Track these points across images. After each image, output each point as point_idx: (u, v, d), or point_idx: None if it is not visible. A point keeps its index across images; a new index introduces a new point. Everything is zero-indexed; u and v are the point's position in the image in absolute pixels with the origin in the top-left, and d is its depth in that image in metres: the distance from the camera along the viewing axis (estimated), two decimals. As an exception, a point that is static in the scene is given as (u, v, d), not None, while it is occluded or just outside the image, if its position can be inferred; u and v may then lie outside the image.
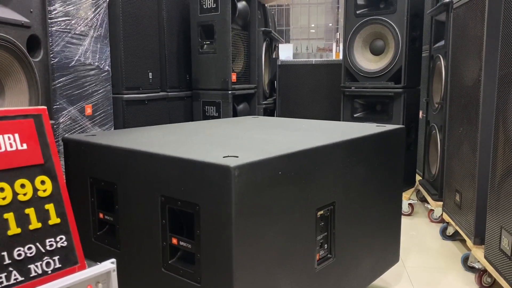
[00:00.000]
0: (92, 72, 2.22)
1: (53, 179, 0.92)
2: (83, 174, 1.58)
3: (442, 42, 3.00)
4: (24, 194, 0.89)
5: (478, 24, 2.20)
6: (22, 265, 0.85)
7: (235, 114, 3.41)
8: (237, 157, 1.21)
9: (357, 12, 3.28)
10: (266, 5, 4.28)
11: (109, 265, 0.94)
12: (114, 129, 2.47)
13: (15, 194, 0.88)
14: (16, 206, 0.88)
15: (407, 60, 3.13)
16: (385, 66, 3.20)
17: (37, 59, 1.73)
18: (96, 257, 1.48)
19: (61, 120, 2.00)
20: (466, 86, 2.38)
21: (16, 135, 0.89)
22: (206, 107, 3.34)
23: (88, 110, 2.16)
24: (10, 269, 0.84)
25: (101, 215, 1.55)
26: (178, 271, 1.29)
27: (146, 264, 1.38)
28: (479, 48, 2.17)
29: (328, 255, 1.53)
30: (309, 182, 1.40)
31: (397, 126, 1.93)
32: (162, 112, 3.01)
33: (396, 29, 3.11)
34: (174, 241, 1.30)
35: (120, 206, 1.45)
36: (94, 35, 2.22)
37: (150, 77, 2.85)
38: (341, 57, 3.46)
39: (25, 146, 0.89)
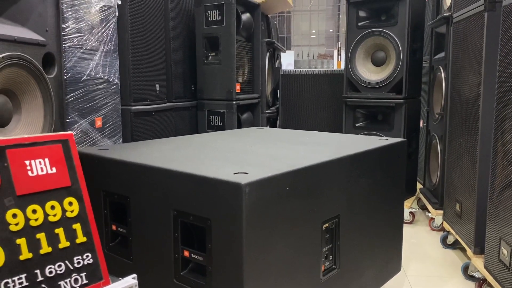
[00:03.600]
0: (102, 85, 2.28)
1: (80, 200, 0.98)
2: (96, 187, 1.64)
3: (442, 54, 3.06)
4: (54, 215, 0.95)
5: (477, 39, 2.27)
6: (53, 282, 0.91)
7: (239, 123, 3.47)
8: (247, 173, 1.26)
9: (359, 24, 3.35)
10: (269, 15, 4.35)
11: (131, 280, 1.00)
12: (123, 140, 2.53)
13: (46, 215, 0.94)
14: (47, 226, 0.94)
15: (408, 71, 3.19)
16: (386, 77, 3.27)
17: (51, 76, 1.79)
18: (108, 268, 1.53)
19: (73, 133, 2.06)
20: (466, 98, 2.44)
21: (47, 160, 0.95)
22: (211, 116, 3.40)
23: (98, 123, 2.23)
24: (43, 286, 0.90)
25: (113, 227, 1.61)
26: (190, 283, 1.35)
27: (158, 275, 1.44)
28: (479, 61, 2.23)
29: (333, 266, 1.59)
30: (315, 196, 1.46)
31: (399, 139, 1.99)
32: (168, 122, 3.07)
33: (397, 41, 3.18)
34: (186, 253, 1.35)
35: (133, 218, 1.51)
36: (104, 50, 2.28)
37: (157, 88, 2.92)
38: (342, 66, 3.52)
39: (54, 170, 0.96)
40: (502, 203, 1.89)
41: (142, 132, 2.75)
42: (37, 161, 0.95)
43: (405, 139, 2.06)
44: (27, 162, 0.93)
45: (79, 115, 2.09)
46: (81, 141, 2.12)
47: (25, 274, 0.88)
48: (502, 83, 1.93)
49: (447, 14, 2.82)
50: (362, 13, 3.36)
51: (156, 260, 1.45)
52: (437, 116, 3.13)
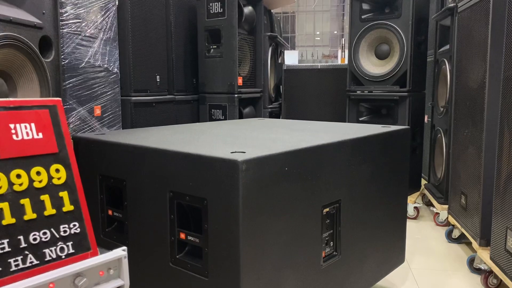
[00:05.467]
0: (101, 74, 2.26)
1: (67, 167, 0.95)
2: (93, 171, 1.61)
3: (447, 47, 3.02)
4: (40, 181, 0.92)
5: (482, 28, 2.22)
6: (37, 249, 0.88)
7: (241, 117, 3.44)
8: (244, 152, 1.23)
9: (362, 17, 3.31)
10: (271, 10, 4.32)
11: (121, 252, 0.96)
12: (122, 130, 2.50)
13: (31, 181, 0.91)
14: (32, 192, 0.91)
15: (412, 64, 3.15)
16: (390, 70, 3.22)
17: (48, 60, 1.76)
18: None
19: (71, 120, 2.03)
20: (471, 89, 2.40)
21: (33, 125, 0.92)
22: (213, 110, 3.37)
23: (97, 111, 2.20)
24: (26, 252, 0.87)
25: (110, 212, 1.58)
26: (186, 266, 1.31)
27: (155, 259, 1.41)
28: (484, 51, 2.19)
29: (334, 253, 1.55)
30: (315, 179, 1.42)
31: (402, 126, 1.95)
32: (169, 115, 3.04)
33: (401, 34, 3.14)
34: (182, 236, 1.32)
35: (129, 202, 1.47)
36: (104, 38, 2.26)
37: (158, 80, 2.89)
38: (346, 62, 3.48)
39: (40, 135, 0.93)
40: (509, 192, 1.84)
41: (142, 123, 2.72)
42: (22, 125, 0.92)
43: (408, 126, 2.02)
44: (11, 126, 0.90)
45: (77, 102, 2.07)
46: (79, 129, 2.09)
47: (7, 240, 0.84)
48: (508, 70, 1.88)
49: (452, 5, 2.78)
50: (365, 6, 3.32)
51: (152, 244, 1.41)
52: (442, 109, 3.08)
